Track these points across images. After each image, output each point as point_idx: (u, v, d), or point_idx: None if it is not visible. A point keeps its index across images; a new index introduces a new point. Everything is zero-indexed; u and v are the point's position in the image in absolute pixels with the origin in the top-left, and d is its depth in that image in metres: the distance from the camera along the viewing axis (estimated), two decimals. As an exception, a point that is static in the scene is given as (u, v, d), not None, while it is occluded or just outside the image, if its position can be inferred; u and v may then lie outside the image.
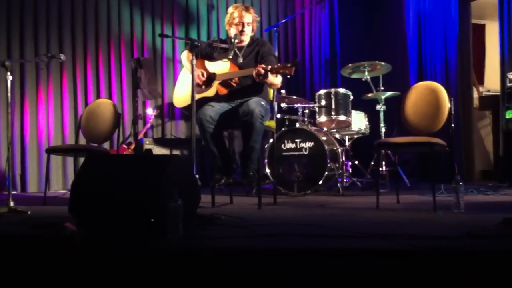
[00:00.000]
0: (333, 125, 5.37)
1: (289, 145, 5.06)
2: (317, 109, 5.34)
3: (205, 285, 2.03)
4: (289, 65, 3.69)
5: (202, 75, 4.04)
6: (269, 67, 3.74)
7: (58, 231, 2.37)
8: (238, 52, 4.08)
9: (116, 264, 2.13)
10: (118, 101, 6.26)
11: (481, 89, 7.38)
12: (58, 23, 6.07)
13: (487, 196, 4.39)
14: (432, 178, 3.77)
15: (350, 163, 5.51)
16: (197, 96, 3.91)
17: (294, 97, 5.58)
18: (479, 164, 6.74)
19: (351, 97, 5.39)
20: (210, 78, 4.04)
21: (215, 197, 3.87)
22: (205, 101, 3.97)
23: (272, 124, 4.23)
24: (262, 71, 3.72)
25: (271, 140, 5.00)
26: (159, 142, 6.18)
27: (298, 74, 7.07)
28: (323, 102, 5.31)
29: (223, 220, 2.91)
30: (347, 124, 5.37)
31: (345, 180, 5.29)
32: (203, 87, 4.06)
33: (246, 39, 4.15)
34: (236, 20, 4.09)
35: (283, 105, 5.41)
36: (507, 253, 1.91)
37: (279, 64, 3.79)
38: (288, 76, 3.78)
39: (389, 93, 5.52)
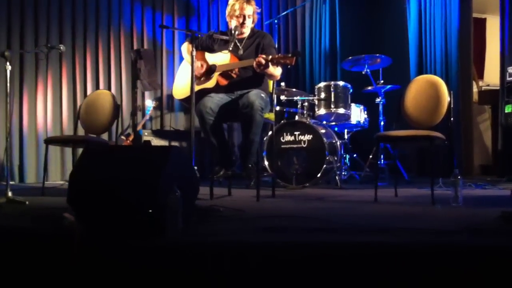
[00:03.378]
0: (332, 118, 5.37)
1: (288, 137, 5.06)
2: (316, 102, 5.34)
3: (204, 279, 2.03)
4: (290, 55, 3.70)
5: (202, 66, 4.04)
6: (270, 57, 3.74)
7: (56, 222, 2.37)
8: (238, 44, 4.09)
9: (114, 257, 2.13)
10: (117, 92, 6.25)
11: (480, 83, 7.38)
12: (58, 13, 6.05)
13: (485, 191, 4.39)
14: (430, 172, 3.77)
15: (348, 157, 5.51)
16: (197, 88, 3.91)
17: (294, 89, 5.58)
18: (478, 158, 6.75)
19: (351, 90, 5.38)
20: (211, 70, 4.03)
21: (213, 189, 3.87)
22: (204, 92, 3.97)
23: (271, 116, 4.23)
24: (263, 61, 3.72)
25: (270, 133, 5.00)
26: (158, 133, 6.18)
27: (298, 67, 7.05)
28: (322, 95, 5.31)
29: (222, 213, 2.91)
30: (347, 117, 5.37)
31: (343, 173, 5.29)
32: (202, 79, 4.05)
33: (246, 31, 4.14)
34: (237, 12, 4.07)
35: (283, 97, 5.41)
36: (505, 247, 1.91)
37: (280, 55, 3.79)
38: (289, 67, 3.78)
39: (389, 87, 5.52)
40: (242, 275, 2.00)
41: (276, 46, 4.46)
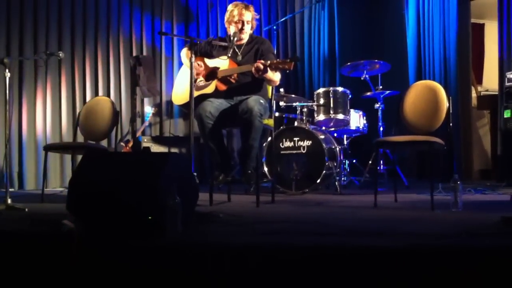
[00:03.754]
0: (332, 124, 5.37)
1: (288, 143, 5.06)
2: (315, 107, 5.34)
3: (204, 280, 2.02)
4: (288, 60, 3.71)
5: (200, 66, 4.03)
6: (268, 62, 3.74)
7: (56, 229, 2.37)
8: (237, 50, 4.09)
9: (114, 257, 2.13)
10: (116, 98, 6.24)
11: (479, 88, 7.39)
12: (57, 20, 6.05)
13: (485, 196, 4.39)
14: (430, 177, 3.77)
15: (348, 162, 5.51)
16: (196, 93, 3.91)
17: (293, 95, 5.58)
18: (477, 163, 6.75)
19: (350, 96, 5.39)
20: (213, 72, 4.03)
21: (213, 195, 3.87)
22: (203, 98, 3.97)
23: (270, 122, 4.23)
24: (261, 67, 3.72)
25: (269, 139, 5.00)
26: (157, 140, 6.18)
27: (296, 73, 7.06)
28: (321, 101, 5.31)
29: (221, 219, 2.91)
30: (346, 123, 5.37)
31: (343, 178, 5.29)
32: (202, 82, 4.06)
33: (245, 37, 4.14)
34: (236, 18, 4.08)
35: (282, 103, 5.41)
36: (505, 251, 1.91)
37: (278, 60, 3.79)
38: (287, 72, 3.79)
39: (387, 92, 5.53)
40: (242, 276, 2.00)
41: (275, 52, 4.47)
